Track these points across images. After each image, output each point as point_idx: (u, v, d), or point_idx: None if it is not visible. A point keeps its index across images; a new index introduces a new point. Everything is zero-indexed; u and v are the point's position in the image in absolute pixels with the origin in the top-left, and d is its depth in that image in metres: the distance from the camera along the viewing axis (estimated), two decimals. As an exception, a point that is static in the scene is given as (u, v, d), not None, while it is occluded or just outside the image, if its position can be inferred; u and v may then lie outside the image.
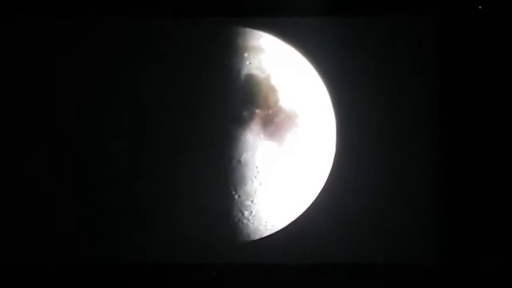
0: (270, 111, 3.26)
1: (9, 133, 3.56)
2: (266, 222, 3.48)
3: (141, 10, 3.61)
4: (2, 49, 3.61)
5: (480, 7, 3.44)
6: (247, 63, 3.32)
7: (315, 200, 3.69)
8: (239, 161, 3.19)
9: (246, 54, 3.36)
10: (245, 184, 3.24)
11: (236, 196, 3.26)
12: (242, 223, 3.40)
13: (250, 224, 3.43)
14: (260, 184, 3.25)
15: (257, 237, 3.63)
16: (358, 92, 3.66)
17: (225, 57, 3.31)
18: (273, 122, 3.25)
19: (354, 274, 3.99)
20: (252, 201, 3.30)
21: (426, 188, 3.78)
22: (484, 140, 3.69)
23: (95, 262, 3.63)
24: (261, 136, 3.21)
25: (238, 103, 3.22)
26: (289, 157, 3.29)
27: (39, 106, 3.55)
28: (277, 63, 3.42)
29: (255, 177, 3.24)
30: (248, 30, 3.58)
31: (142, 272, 3.80)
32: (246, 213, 3.34)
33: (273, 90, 3.30)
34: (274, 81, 3.33)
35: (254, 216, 3.38)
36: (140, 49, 3.50)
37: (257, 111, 3.24)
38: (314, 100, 3.47)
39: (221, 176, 3.20)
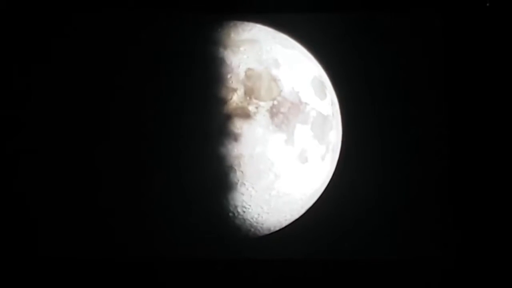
0: (275, 102, 3.22)
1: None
2: (285, 214, 3.47)
3: (133, 7, 3.56)
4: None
5: (488, 4, 3.40)
6: (245, 57, 3.28)
7: (328, 188, 3.71)
8: (252, 156, 3.16)
9: (242, 48, 3.31)
10: (260, 179, 3.22)
11: (253, 192, 3.23)
12: (262, 217, 3.38)
13: (270, 217, 3.41)
14: (275, 176, 3.23)
15: (278, 228, 3.62)
16: (361, 86, 3.66)
17: (223, 53, 3.26)
18: (280, 113, 3.22)
19: (362, 269, 4.03)
20: (269, 194, 3.28)
21: (433, 184, 3.82)
22: (492, 137, 3.69)
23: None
24: (270, 128, 3.18)
25: (241, 98, 3.18)
26: (301, 146, 3.27)
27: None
28: (274, 53, 3.38)
29: (270, 169, 3.21)
30: (239, 23, 3.53)
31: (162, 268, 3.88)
32: (265, 207, 3.32)
33: (274, 80, 3.27)
34: (274, 72, 3.30)
35: (273, 208, 3.36)
36: (134, 48, 3.45)
37: (262, 103, 3.20)
38: (316, 85, 3.45)
39: (236, 173, 3.17)
